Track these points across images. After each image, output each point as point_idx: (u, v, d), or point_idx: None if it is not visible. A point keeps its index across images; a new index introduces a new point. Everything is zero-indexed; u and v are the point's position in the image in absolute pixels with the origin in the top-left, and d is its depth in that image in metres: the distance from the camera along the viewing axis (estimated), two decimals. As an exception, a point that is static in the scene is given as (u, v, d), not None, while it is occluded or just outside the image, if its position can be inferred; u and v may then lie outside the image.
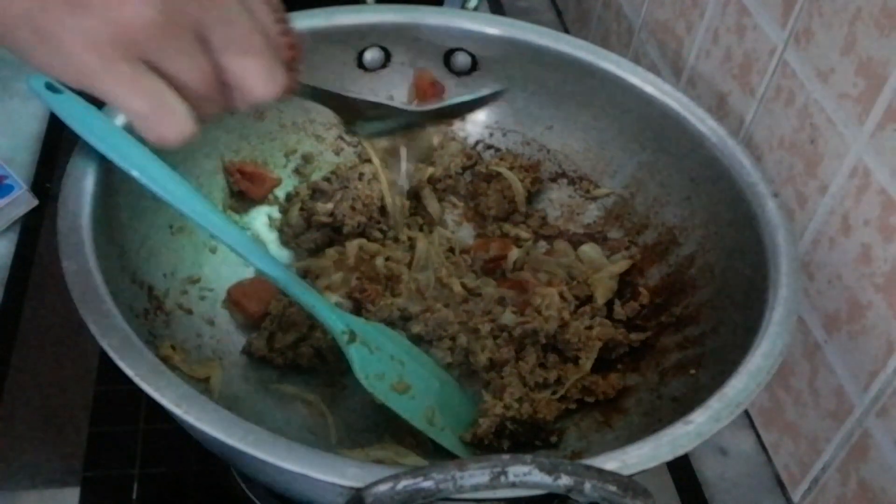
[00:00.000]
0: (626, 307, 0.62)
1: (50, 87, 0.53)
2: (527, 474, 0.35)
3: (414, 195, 0.69)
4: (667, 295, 0.62)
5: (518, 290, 0.63)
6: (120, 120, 0.55)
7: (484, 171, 0.71)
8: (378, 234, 0.66)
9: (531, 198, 0.70)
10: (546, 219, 0.70)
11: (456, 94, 0.72)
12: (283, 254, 0.66)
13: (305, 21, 0.66)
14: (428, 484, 0.35)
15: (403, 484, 0.35)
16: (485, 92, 0.63)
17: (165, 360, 0.50)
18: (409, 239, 0.67)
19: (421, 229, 0.68)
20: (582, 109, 0.69)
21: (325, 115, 0.70)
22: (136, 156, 0.52)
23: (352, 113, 0.55)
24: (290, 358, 0.58)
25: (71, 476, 0.58)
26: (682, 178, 0.63)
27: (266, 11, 0.38)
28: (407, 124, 0.60)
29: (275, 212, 0.67)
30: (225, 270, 0.61)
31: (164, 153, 0.54)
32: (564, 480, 0.35)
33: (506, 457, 0.35)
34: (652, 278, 0.64)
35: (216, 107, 0.38)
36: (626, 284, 0.65)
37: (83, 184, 0.51)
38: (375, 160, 0.66)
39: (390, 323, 0.60)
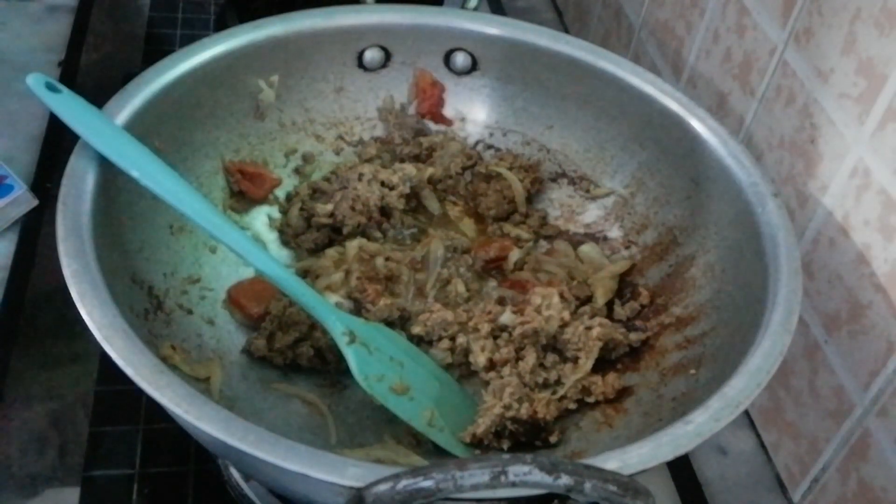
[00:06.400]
0: (626, 307, 0.62)
1: (50, 87, 0.53)
2: (527, 474, 0.35)
3: (414, 195, 0.69)
4: (667, 295, 0.62)
5: (518, 290, 0.63)
6: (120, 120, 0.55)
7: (484, 172, 0.71)
8: (378, 234, 0.66)
9: (531, 198, 0.70)
10: (546, 219, 0.70)
11: (456, 94, 0.72)
12: (283, 254, 0.66)
13: (305, 21, 0.66)
14: (428, 483, 0.35)
15: (403, 483, 0.35)
16: None
17: (165, 360, 0.50)
18: (413, 239, 0.67)
19: (424, 231, 0.68)
20: (582, 109, 0.69)
21: (325, 115, 0.70)
22: (136, 156, 0.52)
23: None
24: (290, 358, 0.58)
25: (71, 476, 0.58)
26: (682, 178, 0.63)
27: None
28: None
29: (275, 212, 0.67)
30: (225, 270, 0.61)
31: (164, 153, 0.54)
32: (564, 480, 0.35)
33: (506, 456, 0.35)
34: (652, 278, 0.64)
35: None
36: (626, 284, 0.65)
37: (83, 184, 0.51)
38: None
39: (390, 323, 0.60)
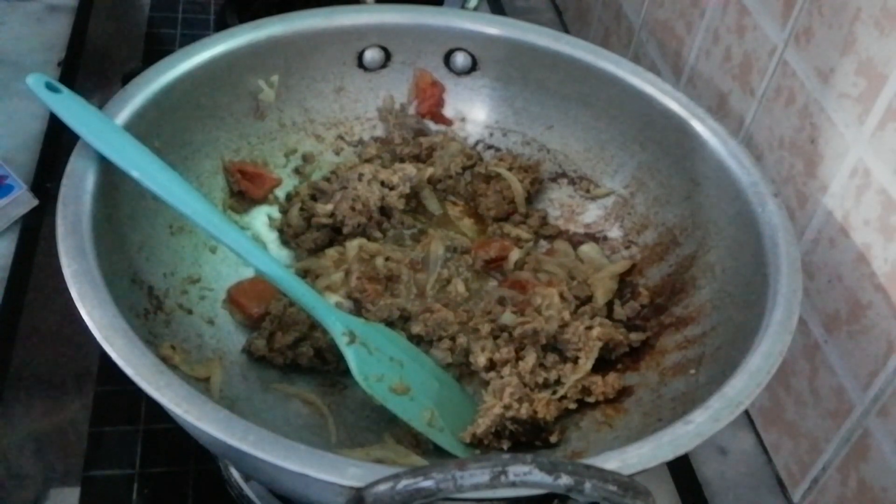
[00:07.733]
0: (626, 307, 0.62)
1: (50, 86, 0.53)
2: (527, 474, 0.35)
3: (414, 195, 0.69)
4: (667, 295, 0.62)
5: (518, 290, 0.63)
6: (120, 120, 0.55)
7: (483, 172, 0.71)
8: (378, 234, 0.66)
9: (531, 198, 0.70)
10: (546, 219, 0.70)
11: (456, 94, 0.72)
12: (283, 254, 0.66)
13: (305, 21, 0.66)
14: (428, 483, 0.35)
15: (403, 483, 0.35)
16: None
17: (165, 360, 0.50)
18: (413, 239, 0.67)
19: (424, 231, 0.68)
20: (582, 109, 0.69)
21: (324, 115, 0.70)
22: (136, 156, 0.52)
23: None
24: (290, 358, 0.58)
25: (71, 476, 0.58)
26: (682, 178, 0.63)
27: None
28: None
29: (275, 212, 0.67)
30: (225, 270, 0.61)
31: (164, 153, 0.54)
32: (565, 480, 0.35)
33: (506, 456, 0.35)
34: (652, 278, 0.64)
35: None
36: (626, 284, 0.65)
37: (83, 184, 0.51)
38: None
39: (390, 323, 0.60)
